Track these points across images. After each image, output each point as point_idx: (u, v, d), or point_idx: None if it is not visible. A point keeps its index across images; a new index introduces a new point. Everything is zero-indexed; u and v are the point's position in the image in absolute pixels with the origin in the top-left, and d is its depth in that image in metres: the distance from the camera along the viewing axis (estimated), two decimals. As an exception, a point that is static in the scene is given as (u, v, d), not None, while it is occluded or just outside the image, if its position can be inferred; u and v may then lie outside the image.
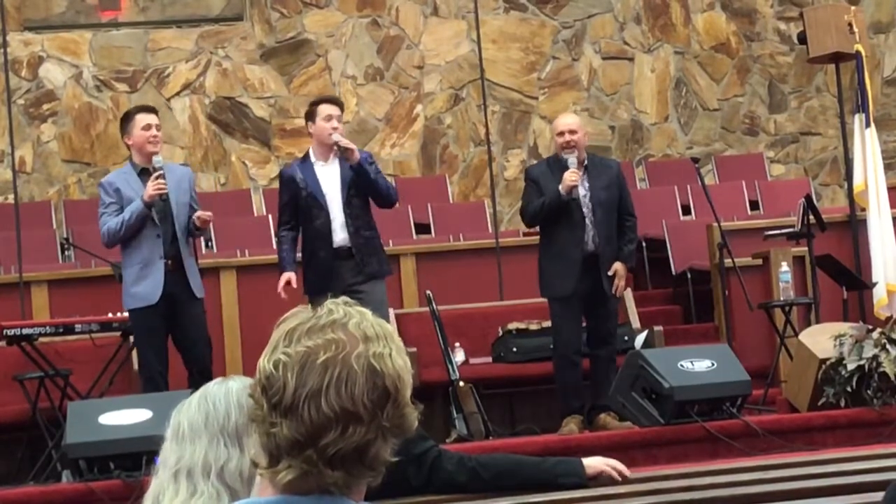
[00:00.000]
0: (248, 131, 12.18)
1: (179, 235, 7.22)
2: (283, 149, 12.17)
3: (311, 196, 7.33)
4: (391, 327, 1.75)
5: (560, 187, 7.46)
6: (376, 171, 7.51)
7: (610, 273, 7.53)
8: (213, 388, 2.38)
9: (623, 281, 7.61)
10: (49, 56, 11.90)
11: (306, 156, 7.51)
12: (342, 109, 7.57)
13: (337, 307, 1.74)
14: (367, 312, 1.75)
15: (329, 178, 7.37)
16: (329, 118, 7.35)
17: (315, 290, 7.20)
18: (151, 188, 7.08)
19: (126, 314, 7.55)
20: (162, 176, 7.12)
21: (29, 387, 7.61)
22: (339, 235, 7.31)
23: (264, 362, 1.71)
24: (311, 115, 7.46)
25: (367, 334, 1.70)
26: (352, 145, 7.34)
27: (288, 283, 7.32)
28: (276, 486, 1.70)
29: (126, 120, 7.41)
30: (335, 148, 7.34)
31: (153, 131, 7.25)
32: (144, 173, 7.23)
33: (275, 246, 8.19)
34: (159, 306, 7.09)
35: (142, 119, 7.29)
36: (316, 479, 1.67)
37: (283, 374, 1.68)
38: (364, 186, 7.32)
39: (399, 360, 1.71)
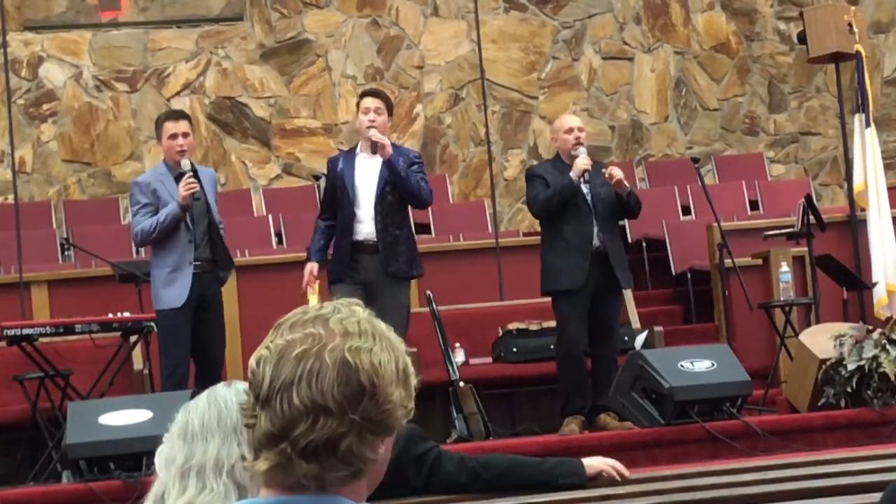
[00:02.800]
0: (248, 131, 12.18)
1: (218, 238, 7.36)
2: (283, 149, 12.17)
3: (343, 186, 7.40)
4: (383, 325, 1.74)
5: (572, 172, 7.49)
6: (419, 170, 7.51)
7: (605, 172, 7.52)
8: (221, 389, 2.37)
9: (616, 170, 7.55)
10: (49, 56, 11.90)
11: (355, 146, 7.62)
12: (386, 102, 7.55)
13: (330, 304, 1.74)
14: (360, 311, 1.74)
15: (366, 172, 7.41)
16: (367, 111, 7.40)
17: (334, 279, 7.31)
18: (183, 189, 7.19)
19: (125, 314, 7.61)
20: (192, 176, 7.24)
21: (29, 387, 7.61)
22: (366, 228, 7.34)
23: (252, 358, 1.73)
24: (357, 109, 7.57)
25: (348, 329, 1.70)
26: (384, 140, 7.36)
27: (311, 272, 7.40)
28: (259, 481, 1.72)
29: (157, 125, 7.60)
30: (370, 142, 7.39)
31: (179, 140, 7.37)
32: (181, 177, 7.33)
33: None
34: (188, 307, 7.22)
35: (168, 128, 7.42)
36: (290, 471, 1.68)
37: (263, 367, 1.70)
38: (394, 183, 7.34)
39: (382, 356, 1.70)
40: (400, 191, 7.38)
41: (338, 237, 7.42)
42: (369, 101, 7.45)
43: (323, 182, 8.85)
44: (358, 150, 7.54)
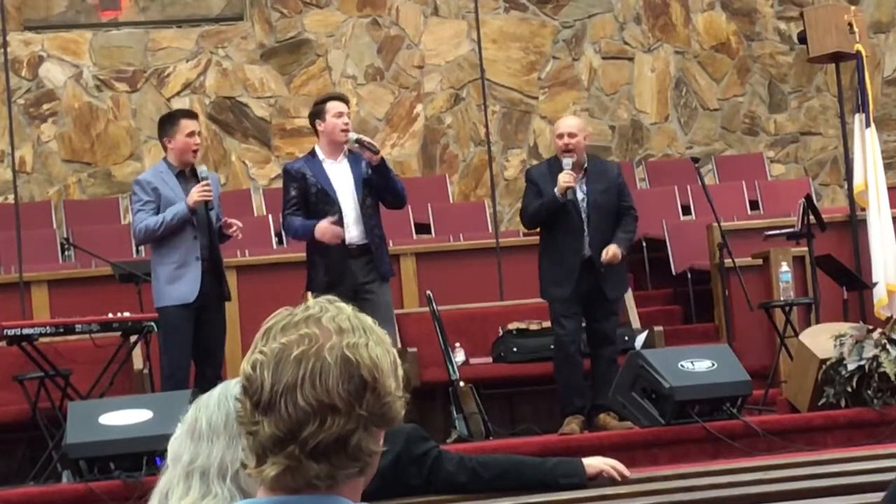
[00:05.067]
0: (249, 131, 12.18)
1: (216, 239, 7.35)
2: (284, 149, 12.17)
3: (321, 192, 7.27)
4: (369, 319, 1.75)
5: (556, 189, 7.48)
6: None
7: (603, 257, 7.45)
8: (235, 387, 2.32)
9: (611, 255, 7.44)
10: (49, 56, 11.90)
11: (312, 153, 7.47)
12: (349, 106, 7.56)
13: (315, 303, 1.74)
14: (346, 307, 1.75)
15: (340, 176, 7.32)
16: (339, 115, 7.33)
17: (324, 287, 7.10)
18: (197, 195, 7.16)
19: (125, 314, 7.60)
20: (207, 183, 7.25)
21: (29, 387, 7.61)
22: (353, 233, 7.27)
23: (244, 363, 1.72)
24: (319, 114, 7.39)
25: (342, 327, 1.70)
26: (375, 143, 7.36)
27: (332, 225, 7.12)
28: (264, 485, 1.71)
29: (169, 122, 7.49)
30: (348, 146, 7.33)
31: (196, 139, 7.36)
32: (181, 176, 7.33)
33: (284, 229, 8.05)
34: (192, 306, 7.17)
35: (187, 125, 7.38)
36: (300, 473, 1.68)
37: (260, 372, 1.69)
38: (381, 185, 7.29)
39: (377, 350, 1.71)
40: (387, 192, 7.33)
41: (321, 244, 7.21)
42: (341, 106, 7.39)
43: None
44: (320, 156, 7.39)
